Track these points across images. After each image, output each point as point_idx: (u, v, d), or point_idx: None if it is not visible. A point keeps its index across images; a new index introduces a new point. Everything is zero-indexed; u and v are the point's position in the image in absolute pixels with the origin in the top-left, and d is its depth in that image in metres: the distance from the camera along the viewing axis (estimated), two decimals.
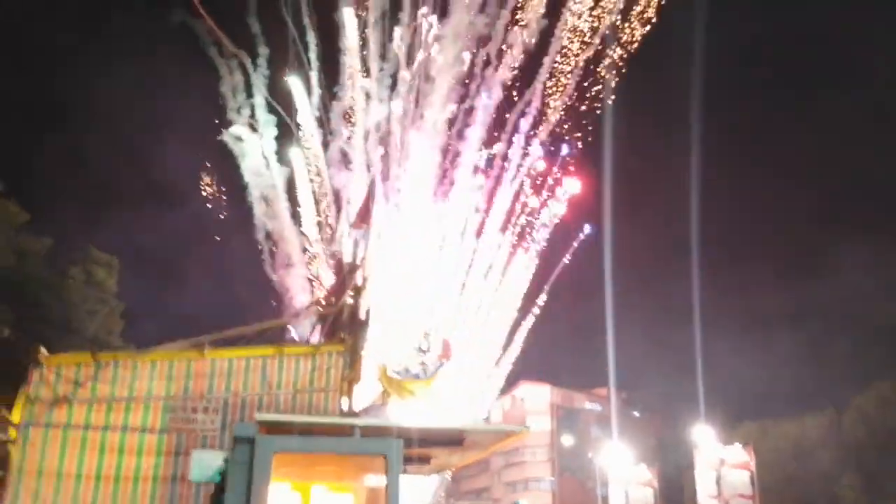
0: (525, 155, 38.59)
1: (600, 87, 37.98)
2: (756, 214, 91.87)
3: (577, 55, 37.01)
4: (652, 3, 36.00)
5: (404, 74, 38.77)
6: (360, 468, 10.55)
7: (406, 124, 38.66)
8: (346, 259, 14.70)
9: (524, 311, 38.92)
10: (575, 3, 36.66)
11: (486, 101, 37.73)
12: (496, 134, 38.30)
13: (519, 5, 37.34)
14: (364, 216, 14.36)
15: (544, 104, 38.48)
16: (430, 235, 36.90)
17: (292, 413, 11.02)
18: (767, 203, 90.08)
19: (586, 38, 36.80)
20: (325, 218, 39.99)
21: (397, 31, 38.87)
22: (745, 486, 30.76)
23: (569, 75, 37.41)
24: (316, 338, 14.94)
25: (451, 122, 38.06)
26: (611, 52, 37.12)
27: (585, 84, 37.69)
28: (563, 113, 38.00)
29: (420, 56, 38.42)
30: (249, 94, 42.69)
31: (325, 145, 41.22)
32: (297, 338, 17.48)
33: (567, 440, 63.55)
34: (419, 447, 10.59)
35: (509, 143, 38.50)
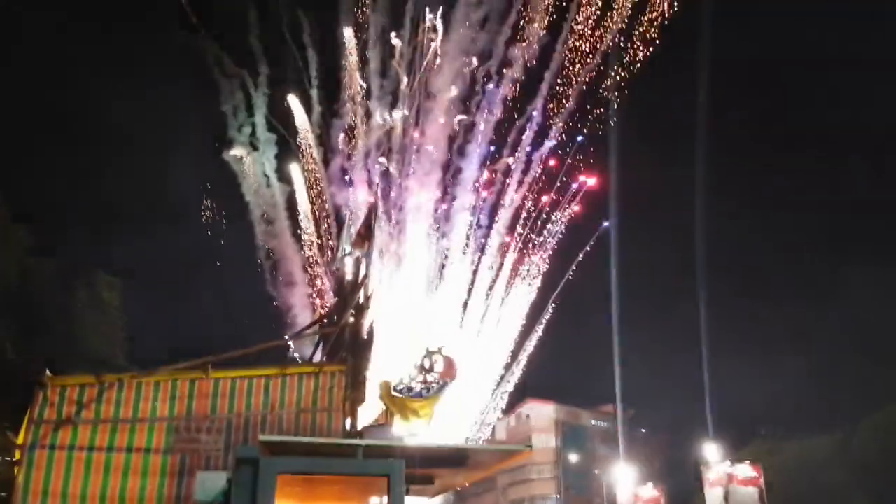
0: (527, 169, 38.63)
1: (602, 109, 38.15)
2: (765, 234, 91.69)
3: (578, 77, 37.24)
4: (656, 24, 36.18)
5: (405, 91, 39.00)
6: (364, 489, 10.55)
7: (407, 141, 38.84)
8: (348, 278, 14.77)
9: (529, 327, 38.79)
10: (577, 23, 36.91)
11: (488, 118, 37.87)
12: (496, 154, 38.43)
13: (522, 19, 37.60)
14: (366, 235, 14.44)
15: (547, 123, 38.62)
16: (432, 253, 36.94)
17: (295, 433, 11.04)
18: (776, 223, 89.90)
19: (588, 60, 37.01)
20: (325, 236, 40.11)
21: (398, 49, 39.15)
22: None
23: (569, 98, 37.62)
24: (318, 357, 14.97)
25: (451, 139, 38.19)
26: (613, 73, 37.29)
27: (588, 106, 37.89)
28: (562, 134, 38.13)
29: (421, 73, 38.67)
30: (251, 113, 43.02)
31: (326, 163, 41.40)
32: (297, 357, 17.55)
33: (573, 458, 63.18)
34: (422, 467, 10.58)
35: (512, 156, 38.55)
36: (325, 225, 39.91)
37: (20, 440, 10.92)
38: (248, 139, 42.36)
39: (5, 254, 24.64)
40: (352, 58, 39.68)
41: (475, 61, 37.78)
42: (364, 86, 39.92)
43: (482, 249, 37.62)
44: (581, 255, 39.35)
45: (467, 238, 37.41)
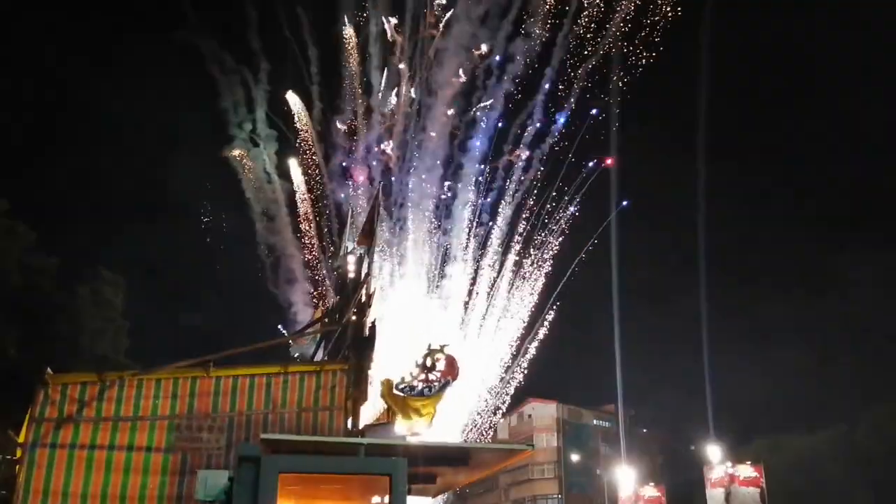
0: (528, 167, 38.48)
1: (607, 101, 38.03)
2: (762, 229, 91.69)
3: (579, 80, 37.16)
4: (657, 28, 36.07)
5: (405, 87, 38.88)
6: (366, 488, 10.51)
7: (408, 137, 38.73)
8: (350, 276, 14.73)
9: (532, 327, 38.68)
10: (576, 26, 36.81)
11: (489, 114, 37.74)
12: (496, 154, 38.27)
13: (523, 15, 37.49)
14: (368, 233, 14.40)
15: (549, 120, 38.49)
16: (434, 250, 36.85)
17: (297, 432, 11.02)
18: (775, 218, 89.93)
19: (590, 64, 36.94)
20: (326, 233, 40.03)
21: (398, 45, 39.04)
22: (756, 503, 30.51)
23: (571, 100, 37.52)
24: (320, 355, 14.94)
25: (452, 135, 38.06)
26: (614, 76, 37.21)
27: (590, 107, 37.81)
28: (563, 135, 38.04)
29: (421, 69, 38.55)
30: (251, 110, 42.98)
31: (327, 159, 41.32)
32: (296, 356, 17.52)
33: (575, 457, 63.08)
34: (424, 466, 10.55)
35: (513, 154, 38.43)
36: (326, 222, 39.86)
37: (21, 438, 10.90)
38: (248, 136, 42.34)
39: (7, 252, 24.62)
40: (352, 53, 39.59)
41: (483, 48, 37.39)
42: (365, 79, 39.80)
43: (484, 245, 37.49)
44: (594, 240, 39.03)
45: (470, 230, 37.22)
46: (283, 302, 41.88)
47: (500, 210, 37.87)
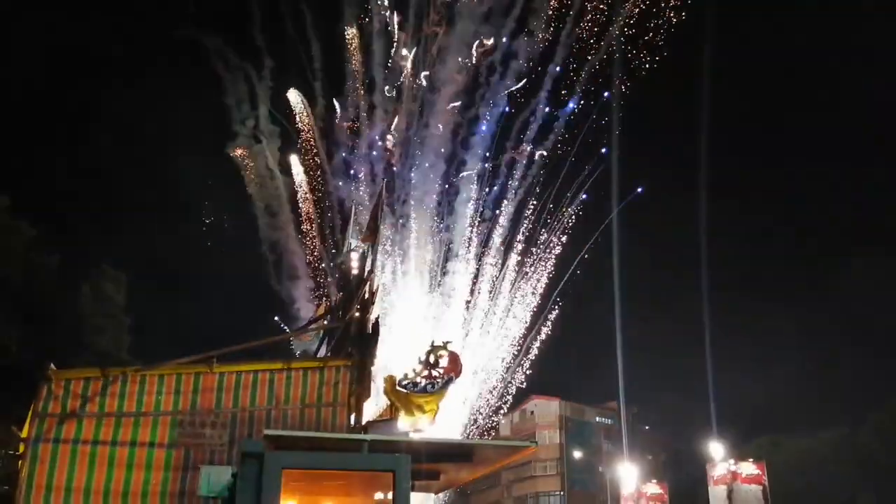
0: (530, 164, 38.40)
1: (612, 96, 37.92)
2: (765, 230, 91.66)
3: (580, 83, 37.07)
4: (661, 31, 35.97)
5: (409, 83, 38.81)
6: (369, 484, 10.48)
7: (411, 134, 38.66)
8: (353, 272, 14.70)
9: (535, 324, 38.63)
10: (578, 29, 36.70)
11: (492, 110, 37.69)
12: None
13: (527, 14, 37.38)
14: (373, 230, 14.36)
15: (552, 117, 38.40)
16: (436, 246, 36.78)
17: (300, 428, 10.99)
18: (776, 219, 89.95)
19: (594, 68, 36.88)
20: (329, 229, 40.00)
21: (402, 41, 38.94)
22: (758, 501, 30.44)
23: (574, 97, 37.42)
24: (323, 351, 14.92)
25: (455, 131, 37.99)
26: (617, 80, 37.13)
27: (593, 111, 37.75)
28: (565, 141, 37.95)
29: (424, 65, 38.46)
30: (254, 106, 42.93)
31: (330, 156, 41.28)
32: (297, 352, 17.49)
33: (577, 454, 63.10)
34: (428, 462, 10.51)
35: (516, 150, 38.34)
36: (329, 218, 39.83)
37: (24, 433, 10.89)
38: (251, 132, 42.31)
39: (9, 249, 24.60)
40: (355, 51, 39.52)
41: (489, 41, 37.31)
42: (368, 78, 39.74)
43: (486, 242, 37.41)
44: (597, 237, 39.00)
45: (472, 227, 37.15)
46: (285, 298, 41.92)
47: (502, 207, 37.85)
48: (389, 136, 39.15)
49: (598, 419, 69.67)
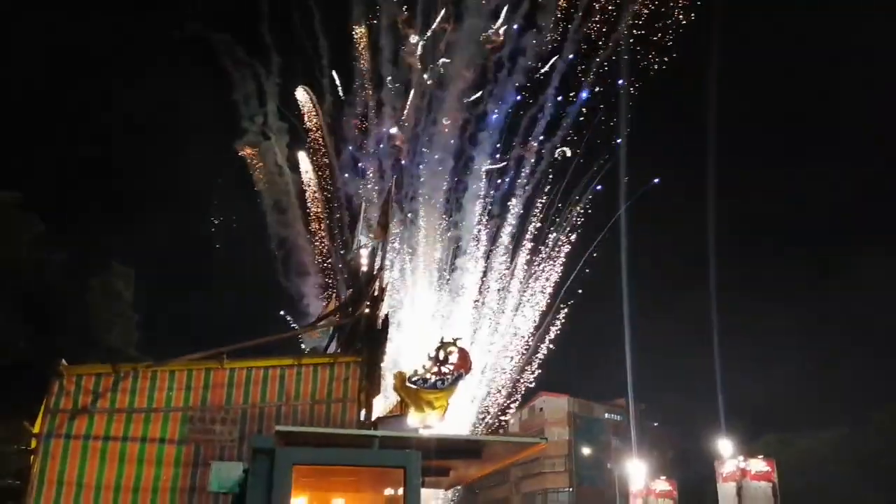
0: (539, 161, 38.29)
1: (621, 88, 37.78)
2: (770, 229, 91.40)
3: (590, 82, 36.94)
4: (669, 31, 35.78)
5: (417, 80, 38.75)
6: (379, 480, 10.46)
7: (419, 130, 38.59)
8: (363, 269, 14.66)
9: (545, 321, 38.52)
10: (587, 28, 36.56)
11: (500, 106, 37.59)
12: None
13: (534, 11, 37.26)
14: (383, 226, 14.32)
15: (560, 114, 38.28)
16: (445, 243, 36.72)
17: (310, 424, 10.98)
18: (781, 218, 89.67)
19: (602, 67, 36.76)
20: (337, 226, 40.00)
21: (410, 38, 38.85)
22: (768, 499, 30.26)
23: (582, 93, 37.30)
24: (332, 348, 14.92)
25: (464, 127, 37.92)
26: (626, 81, 37.00)
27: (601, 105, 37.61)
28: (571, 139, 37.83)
29: (433, 62, 38.37)
30: (262, 103, 42.98)
31: (338, 152, 41.29)
32: (307, 350, 17.49)
33: (586, 451, 63.01)
34: (438, 459, 10.48)
35: (524, 147, 38.23)
36: (337, 215, 39.83)
37: (36, 429, 10.92)
38: (259, 129, 42.36)
39: (18, 244, 24.69)
40: (363, 47, 39.49)
41: (500, 32, 37.23)
42: (376, 74, 39.71)
43: (495, 239, 37.32)
44: (605, 233, 38.88)
45: (480, 223, 37.05)
46: (294, 294, 41.98)
47: (511, 204, 37.77)
48: (398, 133, 39.11)
49: (606, 416, 69.57)
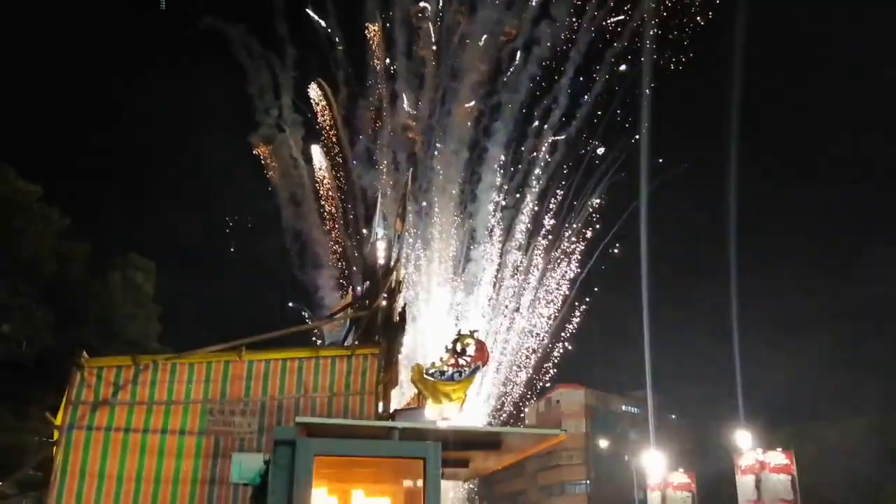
0: (553, 152, 38.14)
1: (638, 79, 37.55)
2: (794, 214, 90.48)
3: (602, 73, 36.71)
4: (685, 28, 35.50)
5: (431, 72, 38.68)
6: (398, 471, 10.47)
7: (433, 122, 38.54)
8: (380, 262, 14.66)
9: (563, 313, 38.43)
10: (605, 23, 36.30)
11: (514, 97, 37.44)
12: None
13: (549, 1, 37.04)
14: (401, 218, 14.30)
15: (575, 104, 38.06)
16: (460, 234, 36.69)
17: (328, 416, 11.00)
18: (806, 203, 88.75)
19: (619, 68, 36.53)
20: (352, 218, 40.08)
21: (424, 29, 38.78)
22: (787, 491, 30.05)
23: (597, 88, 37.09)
24: (350, 340, 14.94)
25: (478, 118, 37.82)
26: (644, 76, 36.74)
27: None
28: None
29: (447, 53, 38.27)
30: (277, 96, 43.09)
31: (352, 144, 41.32)
32: (326, 343, 17.53)
33: (603, 443, 62.87)
34: (456, 450, 10.47)
35: (539, 139, 38.08)
36: (352, 207, 39.92)
37: (58, 421, 11.04)
38: (275, 121, 42.48)
39: (41, 237, 24.94)
40: (378, 39, 39.44)
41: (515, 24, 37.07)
42: (391, 66, 39.67)
43: (509, 231, 37.22)
44: (622, 220, 38.65)
45: (495, 214, 36.95)
46: (309, 286, 42.15)
47: (526, 194, 37.67)
48: (412, 124, 39.09)
49: (623, 408, 69.40)
